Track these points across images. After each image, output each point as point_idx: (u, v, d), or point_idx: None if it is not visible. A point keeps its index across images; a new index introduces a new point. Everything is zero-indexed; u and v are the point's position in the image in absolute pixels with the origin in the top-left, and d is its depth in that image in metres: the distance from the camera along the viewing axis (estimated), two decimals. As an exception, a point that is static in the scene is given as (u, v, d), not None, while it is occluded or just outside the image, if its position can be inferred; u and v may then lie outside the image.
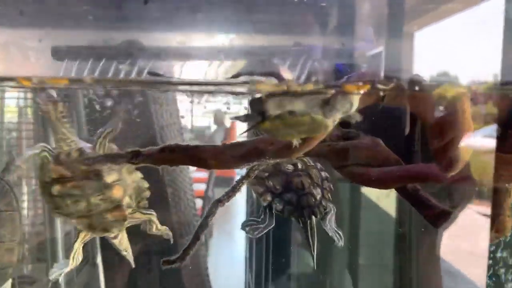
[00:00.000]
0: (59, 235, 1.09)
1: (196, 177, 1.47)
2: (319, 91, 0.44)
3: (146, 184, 0.73)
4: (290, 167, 0.78)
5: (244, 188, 0.73)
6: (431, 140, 0.49)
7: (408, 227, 1.00)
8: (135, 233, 0.77)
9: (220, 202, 0.66)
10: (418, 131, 0.71)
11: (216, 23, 0.73)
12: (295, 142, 0.49)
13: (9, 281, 0.88)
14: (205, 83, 0.52)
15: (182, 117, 1.23)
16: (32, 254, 1.12)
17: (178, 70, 0.75)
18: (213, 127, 1.62)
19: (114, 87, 0.65)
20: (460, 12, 0.64)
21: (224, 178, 1.51)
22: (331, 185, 0.79)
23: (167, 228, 0.77)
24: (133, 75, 0.63)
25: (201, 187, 1.54)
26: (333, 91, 0.47)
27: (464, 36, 0.61)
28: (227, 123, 1.58)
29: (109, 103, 0.75)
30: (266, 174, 0.77)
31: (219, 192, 0.75)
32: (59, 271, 0.74)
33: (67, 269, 0.74)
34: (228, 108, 0.71)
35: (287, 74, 0.57)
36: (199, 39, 0.75)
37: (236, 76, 0.56)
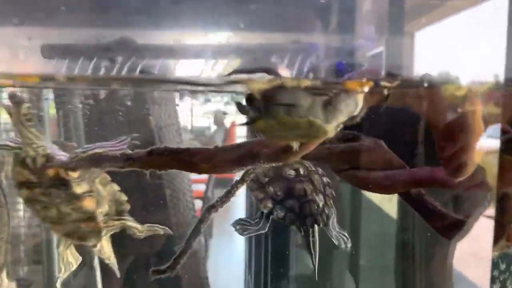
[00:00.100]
0: (55, 237, 1.06)
1: (195, 177, 1.43)
2: (315, 87, 0.39)
3: (124, 197, 0.69)
4: (291, 173, 0.74)
5: (243, 189, 0.70)
6: (441, 144, 0.44)
7: (412, 231, 0.96)
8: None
9: (213, 207, 0.62)
10: (422, 132, 0.67)
11: (212, 20, 0.69)
12: (293, 145, 0.45)
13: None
14: (192, 81, 0.48)
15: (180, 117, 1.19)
16: (28, 256, 1.09)
17: (172, 68, 0.72)
18: (213, 127, 1.59)
19: (102, 85, 0.61)
20: (460, 12, 0.63)
21: (224, 179, 1.48)
22: (333, 191, 0.74)
23: (148, 225, 0.72)
24: (124, 72, 0.59)
25: (201, 187, 1.51)
26: (334, 91, 0.42)
27: (465, 35, 0.59)
28: (227, 123, 1.56)
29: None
30: (267, 179, 0.73)
31: (219, 193, 0.71)
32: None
33: (62, 275, 0.70)
34: (224, 113, 0.67)
35: (285, 72, 0.53)
36: (195, 37, 0.72)
37: (230, 75, 0.51)
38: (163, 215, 1.14)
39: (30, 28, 0.71)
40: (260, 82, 0.37)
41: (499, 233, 0.52)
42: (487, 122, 0.45)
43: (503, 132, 0.53)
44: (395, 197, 0.94)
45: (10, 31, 0.70)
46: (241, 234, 0.71)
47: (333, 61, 0.68)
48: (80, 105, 1.04)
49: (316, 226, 0.71)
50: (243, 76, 0.39)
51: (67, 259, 0.70)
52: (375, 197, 1.11)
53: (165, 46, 0.72)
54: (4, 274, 0.70)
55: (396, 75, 0.50)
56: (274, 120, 0.41)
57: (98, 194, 0.64)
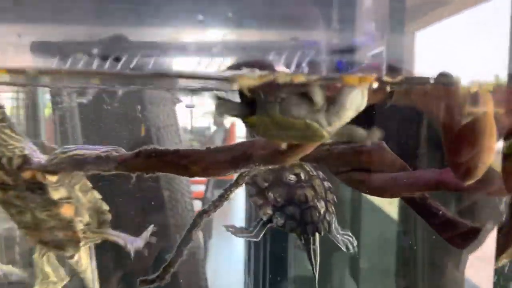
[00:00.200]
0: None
1: (194, 178, 1.40)
2: (310, 81, 0.35)
3: (105, 206, 0.65)
4: (292, 178, 0.70)
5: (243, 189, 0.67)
6: (454, 147, 0.40)
7: (414, 232, 0.92)
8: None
9: (205, 213, 0.58)
10: (425, 132, 0.63)
11: (209, 17, 0.66)
12: (284, 146, 0.41)
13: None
14: (176, 74, 0.44)
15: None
16: (23, 258, 1.05)
17: (166, 66, 0.69)
18: (213, 128, 1.56)
19: (94, 81, 0.58)
20: (461, 12, 0.61)
21: (225, 179, 1.44)
22: (335, 197, 0.70)
23: (120, 233, 0.68)
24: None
25: (201, 188, 1.48)
26: (339, 85, 0.38)
27: (467, 35, 0.58)
28: (227, 124, 1.53)
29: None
30: (266, 184, 0.69)
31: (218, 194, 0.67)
32: None
33: (38, 285, 0.65)
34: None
35: (282, 69, 0.49)
36: (189, 34, 0.69)
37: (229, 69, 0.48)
38: (162, 217, 1.12)
39: (20, 25, 0.68)
40: (251, 77, 0.33)
41: (508, 241, 0.48)
42: (499, 122, 0.40)
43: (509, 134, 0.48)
44: (396, 199, 0.91)
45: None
46: (231, 232, 0.69)
47: (333, 58, 0.65)
48: (76, 105, 1.02)
49: (317, 234, 0.68)
50: (239, 72, 0.36)
51: (43, 268, 0.65)
52: (376, 198, 1.08)
53: (160, 44, 0.69)
54: None
55: (398, 69, 0.46)
56: (268, 118, 0.38)
57: (77, 201, 0.59)
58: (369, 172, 0.52)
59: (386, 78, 0.36)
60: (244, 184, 0.66)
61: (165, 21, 0.69)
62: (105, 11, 0.69)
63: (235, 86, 0.35)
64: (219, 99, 0.38)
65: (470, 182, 0.40)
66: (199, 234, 1.23)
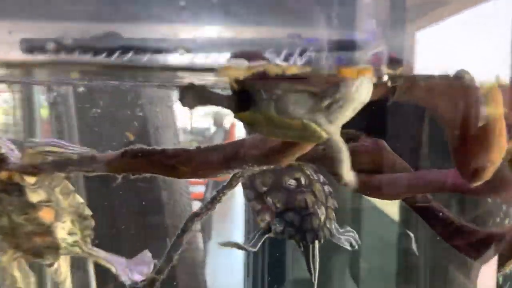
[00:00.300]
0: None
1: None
2: (305, 74, 0.32)
3: (88, 212, 0.60)
4: (292, 182, 0.66)
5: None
6: (466, 149, 0.36)
7: (415, 233, 0.89)
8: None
9: (197, 216, 0.55)
10: (427, 130, 0.59)
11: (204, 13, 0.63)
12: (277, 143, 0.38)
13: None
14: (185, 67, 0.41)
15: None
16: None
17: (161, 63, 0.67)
18: (213, 128, 1.54)
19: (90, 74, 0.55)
20: (462, 12, 0.57)
21: (225, 180, 1.42)
22: (335, 202, 0.67)
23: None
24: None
25: (200, 189, 1.45)
26: (340, 78, 0.35)
27: (468, 35, 0.55)
28: (227, 124, 1.50)
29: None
30: (265, 188, 0.66)
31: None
32: None
33: None
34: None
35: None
36: (184, 31, 0.66)
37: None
38: (160, 218, 1.09)
39: (9, 22, 0.65)
40: (240, 69, 0.30)
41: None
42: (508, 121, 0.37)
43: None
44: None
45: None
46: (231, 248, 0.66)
47: (332, 56, 0.63)
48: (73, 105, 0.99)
49: (317, 242, 0.64)
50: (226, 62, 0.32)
51: (13, 272, 0.61)
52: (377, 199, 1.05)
53: (154, 40, 0.66)
54: None
55: (399, 60, 0.43)
56: (262, 115, 0.34)
57: (57, 204, 0.56)
58: (369, 173, 0.49)
59: (387, 70, 0.33)
60: (242, 187, 0.63)
61: (159, 17, 0.67)
62: (98, 7, 0.66)
63: (224, 79, 0.32)
64: (188, 87, 0.35)
65: (478, 183, 0.37)
66: (198, 236, 1.21)
